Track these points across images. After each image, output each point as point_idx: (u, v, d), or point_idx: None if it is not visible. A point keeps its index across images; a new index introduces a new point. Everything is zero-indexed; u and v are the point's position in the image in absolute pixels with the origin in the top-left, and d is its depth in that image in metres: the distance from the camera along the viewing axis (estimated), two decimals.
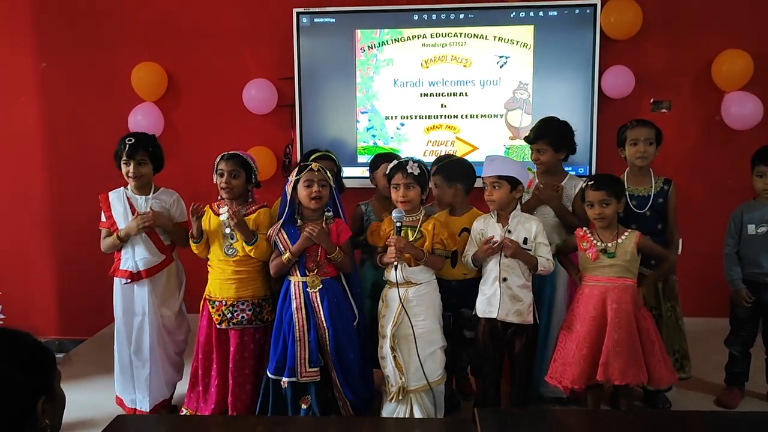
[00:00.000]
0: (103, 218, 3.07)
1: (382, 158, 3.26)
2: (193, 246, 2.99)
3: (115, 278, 3.09)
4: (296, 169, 2.79)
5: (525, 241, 2.73)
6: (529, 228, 2.75)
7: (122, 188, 3.09)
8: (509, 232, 2.73)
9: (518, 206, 2.81)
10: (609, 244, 2.75)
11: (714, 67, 4.21)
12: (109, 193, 3.09)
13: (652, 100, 4.37)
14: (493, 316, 2.75)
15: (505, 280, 2.73)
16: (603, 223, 2.77)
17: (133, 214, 3.01)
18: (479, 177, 2.94)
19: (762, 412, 3.04)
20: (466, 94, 4.37)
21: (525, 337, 2.78)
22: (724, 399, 3.25)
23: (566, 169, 3.30)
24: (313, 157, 3.15)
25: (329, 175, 2.77)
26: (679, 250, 3.20)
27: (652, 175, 3.13)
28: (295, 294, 2.78)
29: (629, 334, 2.66)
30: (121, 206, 3.04)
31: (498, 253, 2.73)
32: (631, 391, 2.78)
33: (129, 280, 3.02)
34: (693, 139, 4.38)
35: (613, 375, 2.65)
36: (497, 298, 2.73)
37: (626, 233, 2.77)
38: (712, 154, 4.33)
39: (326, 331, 2.75)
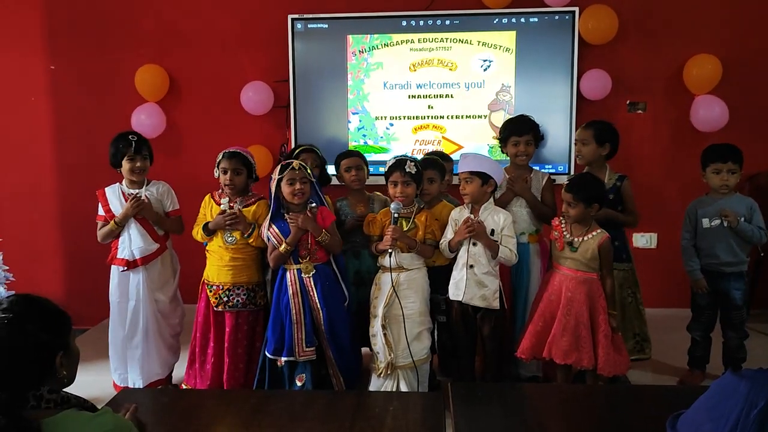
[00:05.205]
0: (101, 212, 3.30)
1: (341, 156, 3.50)
2: (200, 237, 3.22)
3: (112, 266, 3.33)
4: (278, 168, 2.98)
5: (492, 232, 2.95)
6: (497, 220, 2.96)
7: (117, 184, 3.32)
8: (479, 223, 2.95)
9: (491, 200, 3.02)
10: (576, 239, 2.93)
11: (685, 70, 4.44)
12: (105, 189, 3.31)
13: (628, 102, 4.60)
14: (460, 298, 2.99)
15: (471, 266, 2.96)
16: (569, 221, 2.97)
17: None
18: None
19: None
20: (451, 95, 4.61)
21: (493, 321, 3.01)
22: (687, 380, 3.45)
23: (545, 167, 3.49)
24: (298, 150, 3.39)
25: (309, 171, 2.97)
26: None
27: (607, 171, 3.35)
28: (291, 281, 3.00)
29: (577, 322, 2.86)
30: (117, 200, 3.26)
31: (468, 239, 2.94)
32: (595, 372, 2.89)
33: (126, 268, 3.26)
34: (667, 139, 4.61)
35: (555, 355, 2.88)
36: (464, 282, 2.97)
37: (595, 233, 2.90)
38: (684, 153, 4.51)
39: (320, 312, 2.97)
